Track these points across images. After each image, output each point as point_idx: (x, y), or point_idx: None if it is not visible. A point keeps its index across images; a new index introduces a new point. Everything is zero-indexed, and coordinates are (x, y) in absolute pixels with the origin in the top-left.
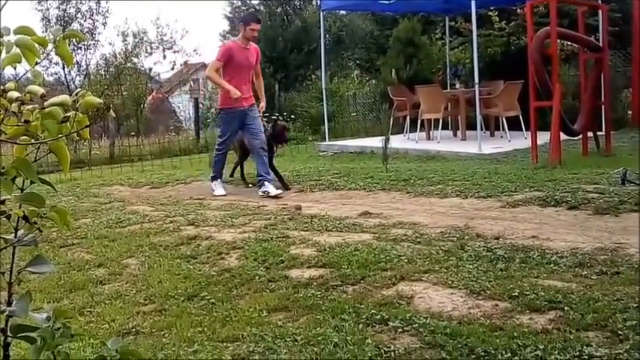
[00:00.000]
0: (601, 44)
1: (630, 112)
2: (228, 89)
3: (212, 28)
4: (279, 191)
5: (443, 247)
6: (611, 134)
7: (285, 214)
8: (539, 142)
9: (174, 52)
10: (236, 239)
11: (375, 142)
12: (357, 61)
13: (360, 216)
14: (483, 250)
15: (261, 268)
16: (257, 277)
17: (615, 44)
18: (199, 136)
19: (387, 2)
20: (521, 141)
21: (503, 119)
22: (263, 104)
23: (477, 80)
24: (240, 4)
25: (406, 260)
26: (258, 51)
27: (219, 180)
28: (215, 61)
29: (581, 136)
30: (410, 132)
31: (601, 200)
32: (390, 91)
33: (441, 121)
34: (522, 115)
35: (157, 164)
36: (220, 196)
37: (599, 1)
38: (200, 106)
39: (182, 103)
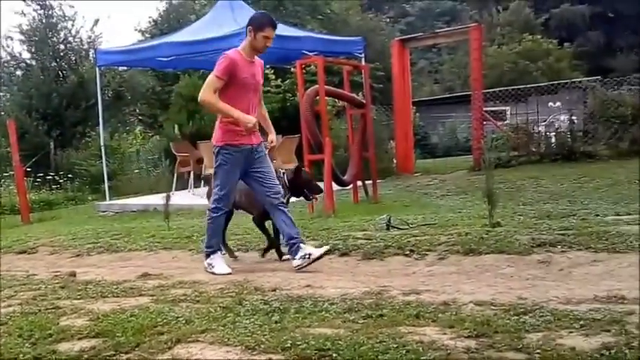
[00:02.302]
0: (365, 101)
1: (395, 161)
2: (237, 117)
3: None
4: (326, 248)
5: (221, 304)
6: (377, 183)
7: (57, 283)
8: None
9: None
10: None
11: (158, 199)
12: (140, 117)
13: (139, 278)
14: (260, 303)
15: (27, 345)
16: (21, 355)
17: (381, 99)
18: None
19: (165, 59)
20: None
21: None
22: (273, 137)
23: None
24: (9, 58)
25: (184, 321)
26: (262, 66)
27: (219, 253)
28: (213, 79)
29: (351, 185)
30: (195, 187)
31: (369, 246)
32: (173, 146)
33: None
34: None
35: None
36: (224, 274)
37: (363, 62)
38: None
39: None
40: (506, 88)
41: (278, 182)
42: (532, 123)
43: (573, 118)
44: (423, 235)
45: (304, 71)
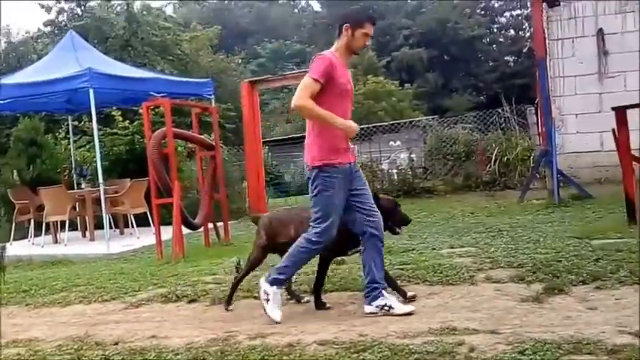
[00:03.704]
0: (214, 143)
1: (248, 202)
2: (342, 125)
3: None
4: (411, 307)
5: None
6: (229, 224)
7: None
8: (165, 238)
9: None
10: None
11: None
12: None
13: None
14: (101, 359)
15: None
16: None
17: (234, 140)
18: None
19: (2, 101)
20: (150, 237)
21: (132, 217)
22: None
23: (101, 179)
24: None
25: None
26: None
27: (282, 287)
28: (310, 82)
29: (202, 228)
30: (35, 236)
31: (218, 290)
32: (11, 194)
33: (67, 222)
34: (150, 212)
35: None
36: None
37: (212, 103)
38: None
39: None
40: None
41: (377, 210)
42: (376, 161)
43: (412, 155)
44: None
45: (154, 113)
